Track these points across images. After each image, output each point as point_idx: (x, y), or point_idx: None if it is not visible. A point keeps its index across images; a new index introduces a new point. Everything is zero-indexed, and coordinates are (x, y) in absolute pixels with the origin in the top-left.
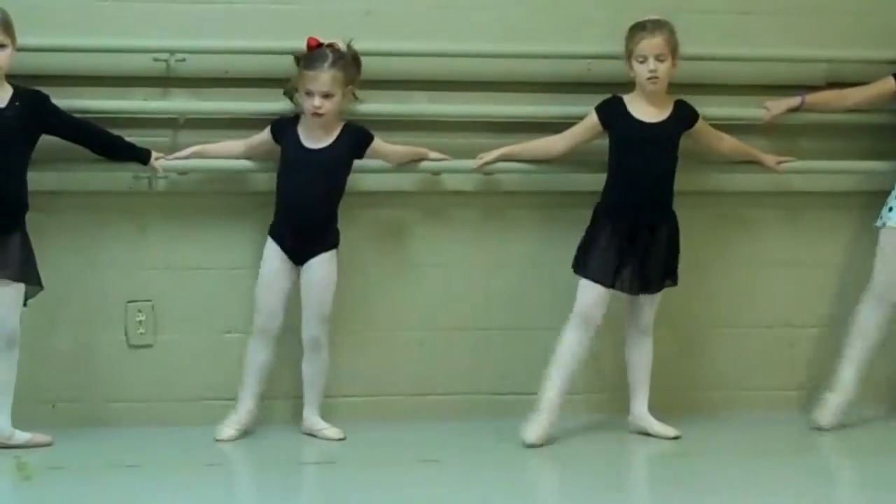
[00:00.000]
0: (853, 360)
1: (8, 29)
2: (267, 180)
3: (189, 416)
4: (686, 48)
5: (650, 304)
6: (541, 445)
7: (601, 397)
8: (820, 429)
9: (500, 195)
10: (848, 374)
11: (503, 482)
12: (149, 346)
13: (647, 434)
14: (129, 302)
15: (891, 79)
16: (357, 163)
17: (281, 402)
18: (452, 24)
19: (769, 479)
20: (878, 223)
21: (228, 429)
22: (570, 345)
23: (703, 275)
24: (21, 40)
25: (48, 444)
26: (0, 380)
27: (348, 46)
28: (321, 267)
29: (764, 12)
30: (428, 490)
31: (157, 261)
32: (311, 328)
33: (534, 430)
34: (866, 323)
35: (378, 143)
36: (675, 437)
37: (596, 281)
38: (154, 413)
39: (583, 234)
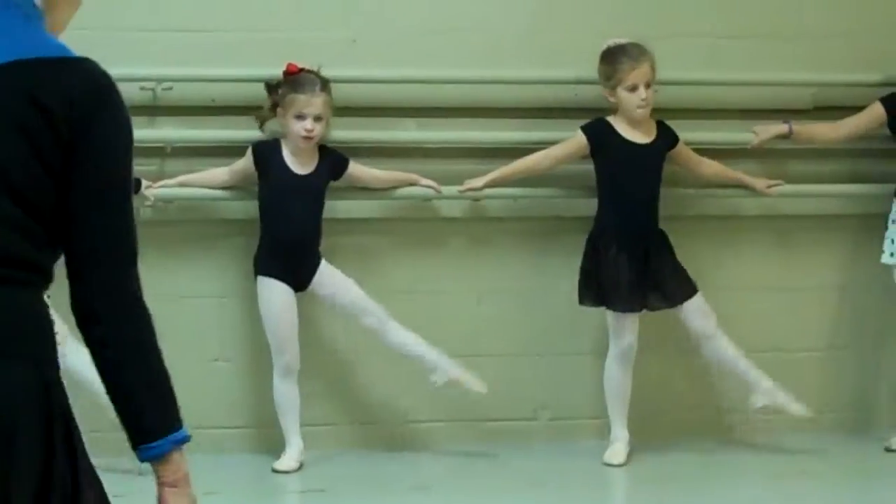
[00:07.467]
0: None
1: None
2: (254, 208)
3: None
4: (673, 73)
5: (696, 310)
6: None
7: (599, 422)
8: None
9: (489, 221)
10: None
11: None
12: None
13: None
14: None
15: (878, 104)
16: (346, 189)
17: (256, 431)
18: (439, 50)
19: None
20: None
21: (293, 462)
22: (619, 383)
23: None
24: None
25: None
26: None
27: (318, 73)
28: (332, 273)
29: (751, 36)
30: None
31: (144, 289)
32: (368, 318)
33: (613, 454)
34: None
35: (354, 166)
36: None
37: (626, 311)
38: None
39: (577, 263)
